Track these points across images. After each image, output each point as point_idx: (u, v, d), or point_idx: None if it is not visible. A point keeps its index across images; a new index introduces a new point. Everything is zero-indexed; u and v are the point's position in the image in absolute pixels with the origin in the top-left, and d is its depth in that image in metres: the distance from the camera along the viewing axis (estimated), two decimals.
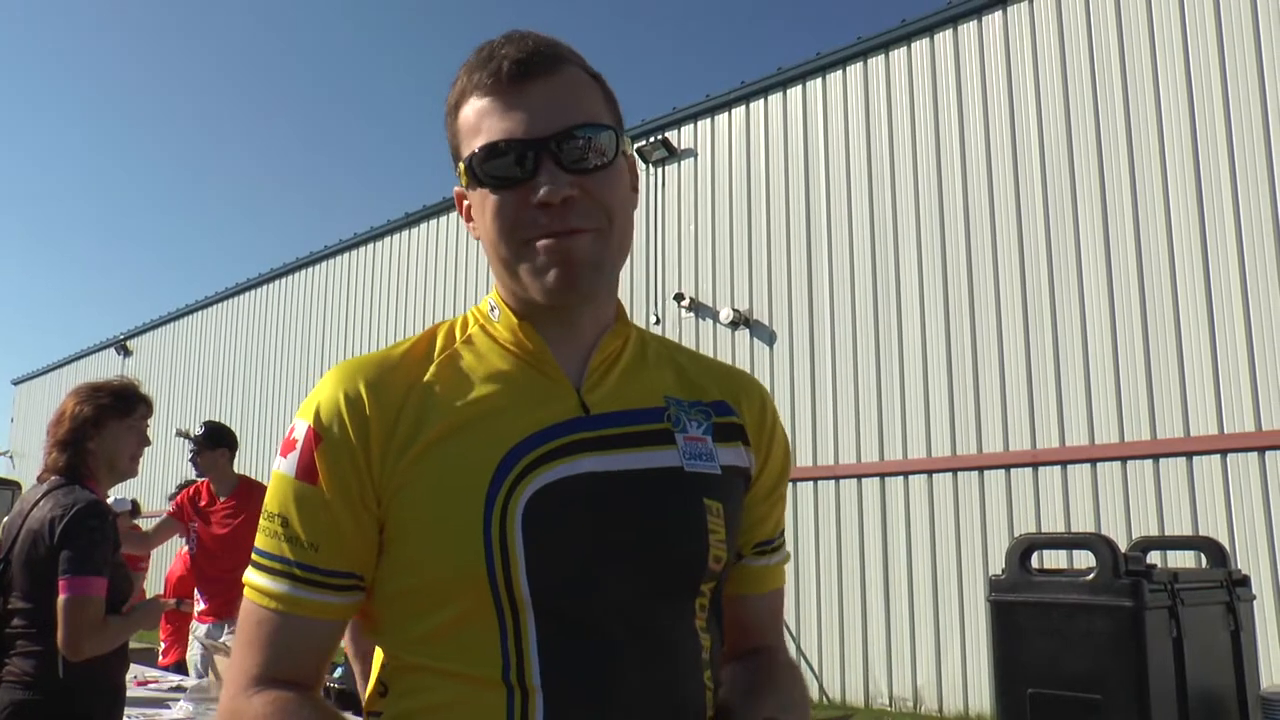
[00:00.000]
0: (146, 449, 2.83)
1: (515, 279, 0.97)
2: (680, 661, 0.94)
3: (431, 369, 0.98)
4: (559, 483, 0.92)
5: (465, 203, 1.02)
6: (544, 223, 0.93)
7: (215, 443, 4.79)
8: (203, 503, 4.84)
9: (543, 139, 0.92)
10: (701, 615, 0.98)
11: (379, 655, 0.99)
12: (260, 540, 0.96)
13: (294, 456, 0.95)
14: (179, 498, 4.97)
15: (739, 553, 1.07)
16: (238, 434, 5.10)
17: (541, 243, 0.93)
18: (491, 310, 1.03)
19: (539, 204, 0.92)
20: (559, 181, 0.92)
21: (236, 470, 4.94)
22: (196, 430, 4.85)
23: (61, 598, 2.41)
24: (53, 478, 2.67)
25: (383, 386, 0.95)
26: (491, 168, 0.94)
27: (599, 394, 0.99)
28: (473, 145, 0.96)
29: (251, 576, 0.96)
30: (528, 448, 0.93)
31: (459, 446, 0.93)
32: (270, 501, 0.96)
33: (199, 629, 4.81)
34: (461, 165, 0.98)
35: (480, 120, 0.95)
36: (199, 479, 4.98)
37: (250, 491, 4.80)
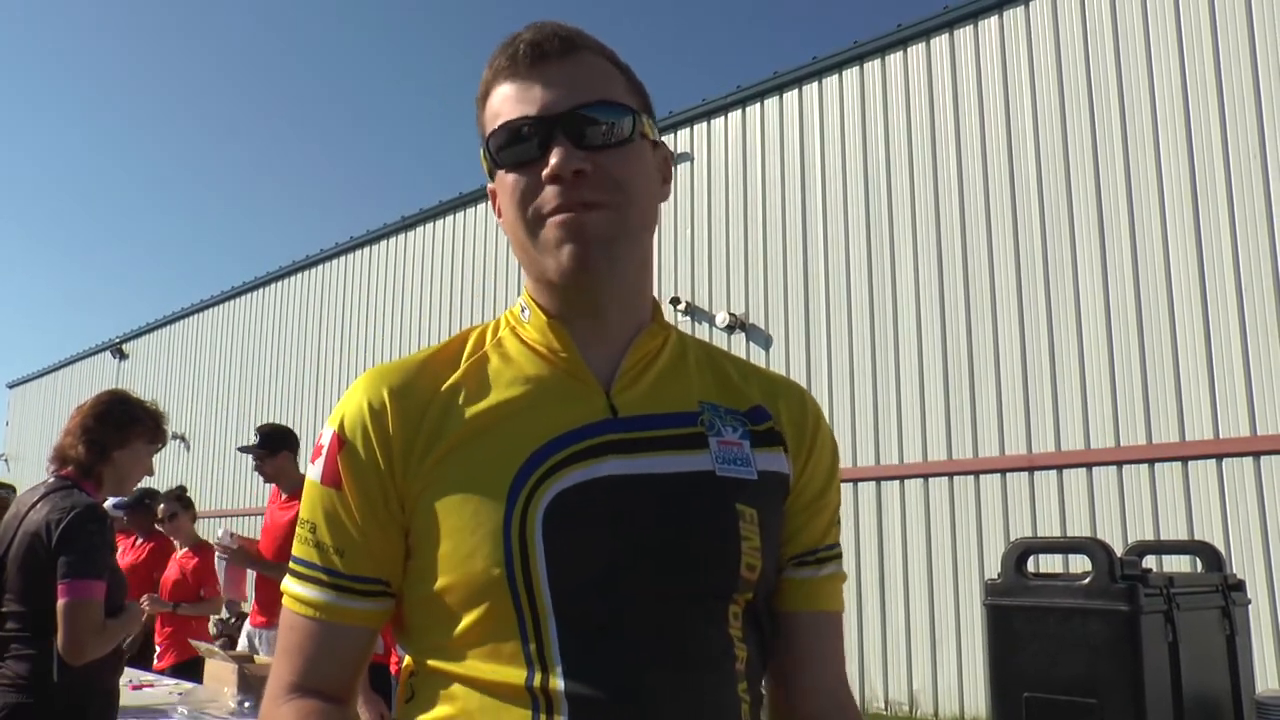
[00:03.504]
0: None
1: (533, 261, 0.95)
2: (712, 670, 0.91)
3: (458, 373, 0.97)
4: (581, 485, 0.90)
5: (496, 199, 1.00)
6: (556, 197, 0.91)
7: (276, 446, 4.59)
8: (273, 503, 4.73)
9: (555, 116, 0.92)
10: (735, 624, 0.93)
11: (406, 662, 0.98)
12: (295, 547, 0.97)
13: (320, 462, 0.95)
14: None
15: (779, 565, 1.01)
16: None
17: (553, 218, 0.92)
18: (523, 311, 1.01)
19: (549, 177, 0.91)
20: (571, 156, 0.91)
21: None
22: (252, 439, 4.63)
23: (62, 602, 2.41)
24: (50, 479, 2.67)
25: (407, 391, 0.95)
26: (507, 150, 0.94)
27: (629, 396, 0.96)
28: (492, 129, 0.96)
29: (287, 583, 0.96)
30: (551, 450, 0.91)
31: (481, 450, 0.92)
32: (303, 508, 0.97)
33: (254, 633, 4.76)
34: (482, 152, 0.98)
35: (500, 105, 0.95)
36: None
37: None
